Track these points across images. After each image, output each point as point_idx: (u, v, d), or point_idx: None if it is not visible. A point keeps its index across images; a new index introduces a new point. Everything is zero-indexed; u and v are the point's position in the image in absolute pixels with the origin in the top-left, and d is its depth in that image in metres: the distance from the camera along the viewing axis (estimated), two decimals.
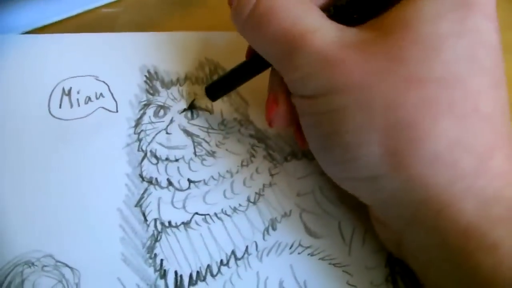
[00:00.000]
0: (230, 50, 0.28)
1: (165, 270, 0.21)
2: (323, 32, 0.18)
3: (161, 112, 0.26)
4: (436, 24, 0.17)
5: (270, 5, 0.19)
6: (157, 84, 0.26)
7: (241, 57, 0.28)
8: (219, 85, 0.24)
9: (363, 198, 0.20)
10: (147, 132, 0.25)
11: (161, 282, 0.21)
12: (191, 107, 0.26)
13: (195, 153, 0.24)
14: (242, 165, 0.24)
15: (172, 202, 0.23)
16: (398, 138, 0.17)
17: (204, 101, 0.25)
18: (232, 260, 0.22)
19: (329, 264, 0.22)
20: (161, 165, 0.24)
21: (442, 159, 0.16)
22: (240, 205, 0.23)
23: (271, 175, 0.24)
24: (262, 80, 0.27)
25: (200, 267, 0.22)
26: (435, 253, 0.18)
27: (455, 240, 0.16)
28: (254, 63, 0.22)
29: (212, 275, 0.21)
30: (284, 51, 0.19)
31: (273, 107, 0.22)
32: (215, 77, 0.27)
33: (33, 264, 0.21)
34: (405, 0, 0.18)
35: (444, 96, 0.16)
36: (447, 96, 0.16)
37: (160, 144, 0.25)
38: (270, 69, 0.22)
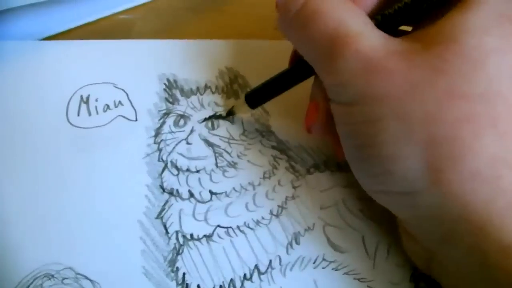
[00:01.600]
0: (251, 59, 0.27)
1: (187, 284, 0.21)
2: (367, 37, 0.18)
3: (181, 122, 0.25)
4: (481, 38, 0.16)
5: (318, 6, 0.19)
6: (177, 93, 0.26)
7: (261, 66, 0.27)
8: (260, 92, 0.23)
9: (396, 212, 0.20)
10: (167, 142, 0.25)
11: None
12: (230, 114, 0.25)
13: (216, 164, 0.24)
14: (264, 177, 0.24)
15: (193, 214, 0.23)
16: (437, 153, 0.16)
17: (242, 109, 0.25)
18: (255, 275, 0.21)
19: (354, 279, 0.22)
20: (182, 176, 0.24)
21: (483, 175, 0.16)
22: (263, 218, 0.23)
23: (294, 187, 0.24)
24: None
25: (223, 281, 0.21)
26: (473, 272, 0.17)
27: (496, 258, 0.16)
28: (297, 70, 0.22)
29: None
30: (326, 53, 0.18)
31: (314, 115, 0.21)
32: (235, 86, 0.27)
33: (53, 276, 0.21)
34: (452, 12, 0.17)
35: (487, 112, 0.16)
36: (490, 112, 0.16)
37: (181, 154, 0.24)
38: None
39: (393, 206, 0.19)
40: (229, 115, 0.25)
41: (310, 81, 0.22)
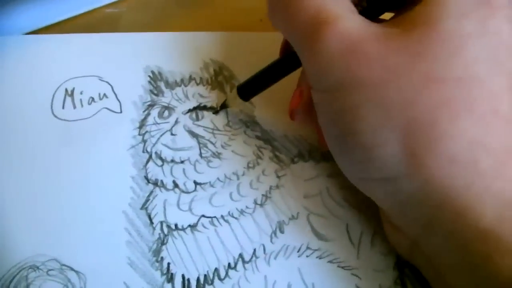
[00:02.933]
0: (235, 50, 0.27)
1: (172, 274, 0.21)
2: (347, 20, 0.18)
3: (166, 113, 0.25)
4: (459, 23, 0.16)
5: None
6: (161, 85, 0.26)
7: (246, 58, 0.27)
8: (252, 84, 0.23)
9: (379, 201, 0.20)
10: (152, 133, 0.25)
11: (168, 286, 0.21)
12: (223, 107, 0.25)
13: (200, 154, 0.24)
14: (248, 167, 0.24)
15: (178, 205, 0.23)
16: (415, 138, 0.16)
17: (235, 102, 0.25)
18: (240, 264, 0.22)
19: (338, 267, 0.22)
20: (166, 167, 0.24)
21: (460, 159, 0.16)
22: (247, 207, 0.23)
23: (278, 177, 0.24)
24: None
25: (207, 271, 0.21)
26: (453, 257, 0.17)
27: (474, 243, 0.16)
28: (288, 60, 0.22)
29: (220, 279, 0.21)
30: (307, 36, 0.18)
31: (297, 100, 0.22)
32: (220, 78, 0.27)
33: (38, 268, 0.21)
34: None
35: (464, 95, 0.16)
36: (467, 95, 0.16)
37: (165, 145, 0.24)
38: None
39: (376, 194, 0.19)
40: (223, 108, 0.25)
41: (296, 72, 0.22)
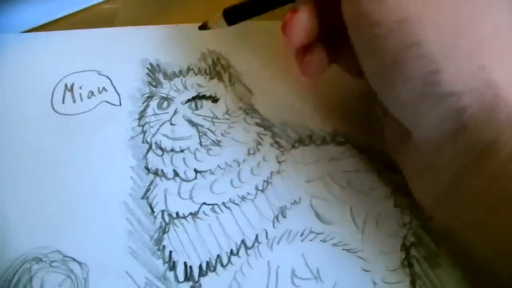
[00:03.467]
0: (232, 40, 0.27)
1: (174, 262, 0.21)
2: None
3: (165, 104, 0.25)
4: None
5: None
6: (160, 76, 0.26)
7: (243, 47, 0.27)
8: (240, 9, 0.23)
9: (426, 128, 0.18)
10: (151, 124, 0.25)
11: (170, 274, 0.21)
12: (203, 28, 0.24)
13: (200, 143, 0.24)
14: (249, 154, 0.24)
15: (179, 193, 0.23)
16: (484, 51, 0.16)
17: (217, 24, 0.23)
18: (242, 250, 0.21)
19: (343, 250, 0.21)
20: (166, 157, 0.24)
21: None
22: (248, 193, 0.23)
23: (279, 162, 0.24)
24: (265, 69, 0.26)
25: (210, 258, 0.21)
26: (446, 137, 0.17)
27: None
28: None
29: (223, 266, 0.21)
30: None
31: (292, 15, 0.20)
32: (218, 68, 0.27)
33: (41, 260, 0.21)
34: None
35: None
36: None
37: (165, 135, 0.24)
38: None
39: (430, 115, 0.17)
40: (202, 28, 0.24)
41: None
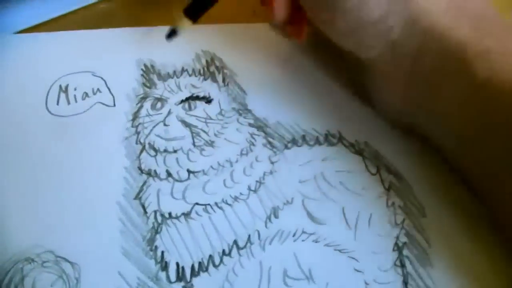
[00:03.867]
0: (226, 41, 0.28)
1: (166, 262, 0.21)
2: None
3: (159, 105, 0.25)
4: None
5: None
6: (154, 77, 0.26)
7: (237, 48, 0.27)
8: (198, 3, 0.24)
9: (372, 48, 0.21)
10: (145, 124, 0.25)
11: (162, 274, 0.21)
12: (172, 34, 0.24)
13: (193, 143, 0.24)
14: (241, 154, 0.24)
15: (171, 194, 0.23)
16: None
17: (183, 24, 0.24)
18: (234, 250, 0.21)
19: (335, 250, 0.21)
20: (159, 157, 0.24)
21: None
22: (241, 193, 0.23)
23: (272, 162, 0.24)
24: (259, 69, 0.26)
25: (202, 258, 0.21)
26: (442, 73, 0.20)
27: (455, 54, 0.19)
28: None
29: (215, 266, 0.21)
30: None
31: None
32: (212, 68, 0.27)
33: (33, 260, 0.21)
34: None
35: None
36: None
37: (158, 136, 0.24)
38: None
39: (367, 39, 0.21)
40: (172, 35, 0.24)
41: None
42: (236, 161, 0.23)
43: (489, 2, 0.21)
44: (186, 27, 0.24)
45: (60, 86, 0.26)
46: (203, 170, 0.23)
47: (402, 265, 0.21)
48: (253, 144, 0.24)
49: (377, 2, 0.20)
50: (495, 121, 0.19)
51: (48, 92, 0.26)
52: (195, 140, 0.24)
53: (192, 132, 0.24)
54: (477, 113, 0.20)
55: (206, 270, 0.21)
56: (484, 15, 0.20)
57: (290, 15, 0.23)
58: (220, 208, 0.22)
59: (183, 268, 0.21)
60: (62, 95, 0.26)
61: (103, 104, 0.25)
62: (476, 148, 0.20)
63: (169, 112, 0.25)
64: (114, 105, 0.25)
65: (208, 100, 0.25)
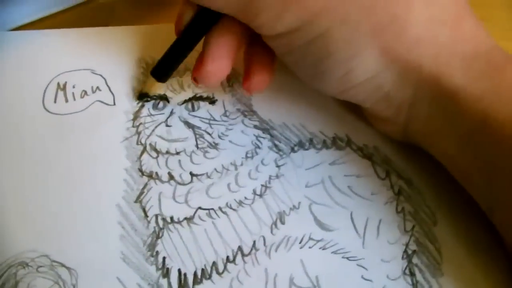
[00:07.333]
0: None
1: (167, 269, 0.20)
2: None
3: (161, 104, 0.24)
4: None
5: None
6: None
7: None
8: (165, 63, 0.23)
9: (364, 101, 0.22)
10: (146, 125, 0.24)
11: (163, 281, 0.20)
12: (142, 97, 0.24)
13: (197, 145, 0.23)
14: (246, 157, 0.23)
15: (173, 197, 0.22)
16: (384, 35, 0.19)
17: (154, 87, 0.24)
18: (239, 257, 0.20)
19: (342, 257, 0.21)
20: (161, 159, 0.23)
21: (424, 37, 0.19)
22: (246, 198, 0.22)
23: (278, 166, 0.23)
24: None
25: (205, 265, 0.20)
26: (439, 119, 0.20)
27: (450, 99, 0.19)
28: (192, 30, 0.22)
29: (218, 273, 0.20)
30: (243, 3, 0.19)
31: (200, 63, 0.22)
32: None
33: (27, 265, 0.20)
34: None
35: None
36: None
37: (160, 137, 0.23)
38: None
39: (360, 96, 0.21)
40: (142, 98, 0.24)
41: None
42: (241, 164, 0.23)
43: (480, 36, 0.20)
44: (158, 88, 0.24)
45: (58, 84, 0.25)
46: (207, 173, 0.22)
47: (412, 274, 0.20)
48: (259, 147, 0.23)
49: (364, 68, 0.20)
50: (496, 164, 0.19)
51: (46, 89, 0.25)
52: (199, 142, 0.23)
53: (195, 134, 0.23)
54: (476, 155, 0.19)
55: (210, 277, 0.20)
56: (476, 54, 0.19)
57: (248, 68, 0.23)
58: (224, 212, 0.21)
59: (185, 275, 0.20)
60: (60, 93, 0.25)
61: (103, 102, 0.25)
62: (481, 186, 0.20)
63: (172, 112, 0.24)
64: (114, 103, 0.25)
65: (212, 101, 0.25)
